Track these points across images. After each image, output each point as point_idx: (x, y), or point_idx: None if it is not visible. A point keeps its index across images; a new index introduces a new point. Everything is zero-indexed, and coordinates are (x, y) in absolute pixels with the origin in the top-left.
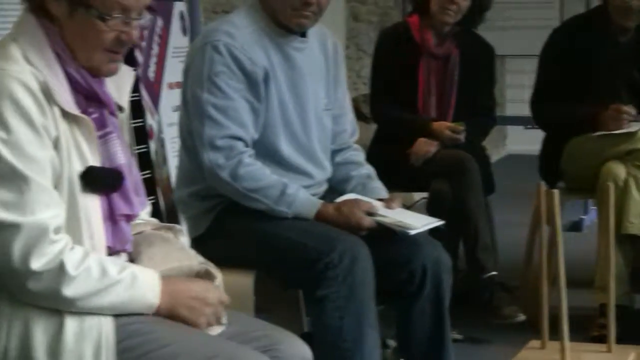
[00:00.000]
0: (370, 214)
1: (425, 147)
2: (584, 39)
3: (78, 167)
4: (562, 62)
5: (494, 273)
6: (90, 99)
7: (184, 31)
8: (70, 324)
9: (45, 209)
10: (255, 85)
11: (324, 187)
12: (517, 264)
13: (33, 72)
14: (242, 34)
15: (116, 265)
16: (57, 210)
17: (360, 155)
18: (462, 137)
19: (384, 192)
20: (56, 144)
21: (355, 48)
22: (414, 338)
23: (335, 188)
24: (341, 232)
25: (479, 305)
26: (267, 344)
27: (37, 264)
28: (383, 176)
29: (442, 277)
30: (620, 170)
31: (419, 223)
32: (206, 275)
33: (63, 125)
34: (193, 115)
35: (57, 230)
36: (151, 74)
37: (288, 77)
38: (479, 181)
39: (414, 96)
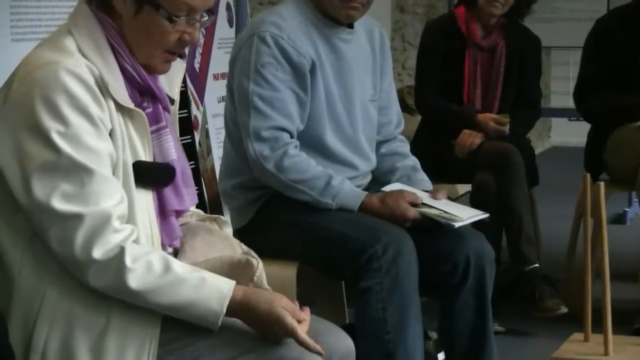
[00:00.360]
0: (415, 205)
1: (470, 139)
2: (627, 30)
3: (131, 161)
4: (605, 53)
5: (536, 265)
6: (144, 93)
7: (230, 22)
8: (116, 323)
9: (108, 198)
10: (302, 76)
11: (368, 179)
12: (560, 256)
13: (88, 65)
14: (289, 25)
15: (184, 266)
16: (119, 198)
17: (405, 147)
18: (506, 129)
19: (429, 184)
20: (111, 137)
21: (401, 39)
22: (457, 330)
23: (380, 179)
24: (385, 224)
25: (522, 298)
26: (311, 335)
27: (98, 252)
28: (427, 168)
29: (486, 269)
30: None
31: (464, 215)
32: (247, 265)
33: (118, 119)
34: (239, 106)
35: (121, 219)
36: (197, 64)
37: (335, 68)
38: (523, 173)
39: (459, 88)
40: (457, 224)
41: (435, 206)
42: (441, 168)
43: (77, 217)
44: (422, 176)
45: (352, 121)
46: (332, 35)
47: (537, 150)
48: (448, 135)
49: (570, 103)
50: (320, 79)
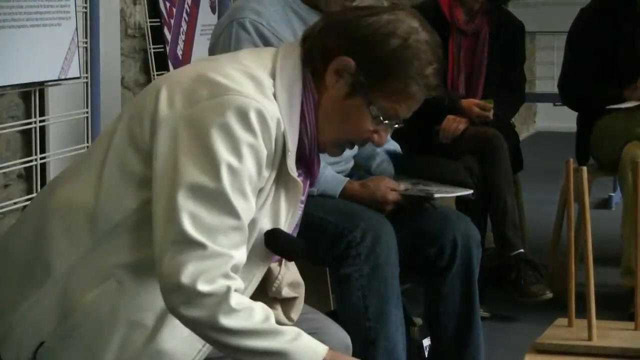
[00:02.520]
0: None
1: (454, 124)
2: (611, 19)
3: (267, 225)
4: (589, 42)
5: (521, 251)
6: (302, 164)
7: (213, 9)
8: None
9: (234, 248)
10: None
11: (350, 164)
12: (545, 241)
13: (278, 118)
14: (268, 11)
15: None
16: (242, 255)
17: None
18: (490, 114)
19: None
20: (258, 193)
21: None
22: (443, 314)
23: (361, 164)
24: (365, 210)
25: (506, 283)
26: (314, 327)
27: (204, 286)
28: (411, 154)
29: (472, 251)
30: (639, 151)
31: (447, 190)
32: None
33: (269, 181)
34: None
35: (234, 269)
36: (179, 51)
37: None
38: (508, 158)
39: (443, 73)
40: (437, 195)
41: (418, 187)
42: (425, 153)
43: (200, 247)
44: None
45: None
46: (311, 21)
47: (522, 136)
48: (432, 121)
49: (555, 88)
50: None
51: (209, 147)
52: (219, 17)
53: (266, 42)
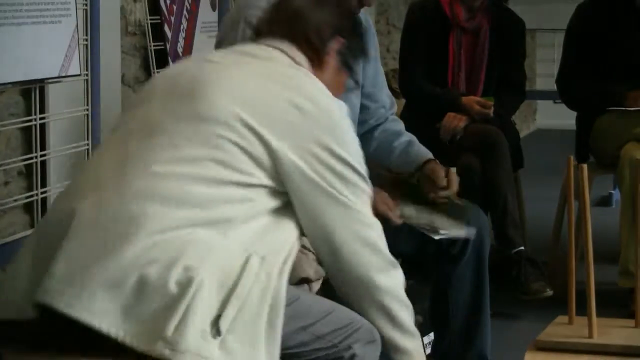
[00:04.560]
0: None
1: (455, 121)
2: (608, 15)
3: None
4: (586, 39)
5: (522, 248)
6: None
7: (213, 6)
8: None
9: None
10: None
11: None
12: (545, 239)
13: None
14: None
15: None
16: None
17: (398, 124)
18: (491, 111)
19: (429, 154)
20: None
21: (385, 22)
22: (452, 304)
23: (380, 161)
24: None
25: (507, 281)
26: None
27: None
28: None
29: (484, 239)
30: (637, 152)
31: (447, 228)
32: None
33: None
34: None
35: None
36: (180, 49)
37: None
38: (508, 156)
39: (443, 70)
40: (436, 237)
41: (418, 217)
42: None
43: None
44: (420, 147)
45: None
46: None
47: (523, 133)
48: (432, 118)
49: (555, 86)
50: None
51: (334, 148)
52: (219, 15)
53: None
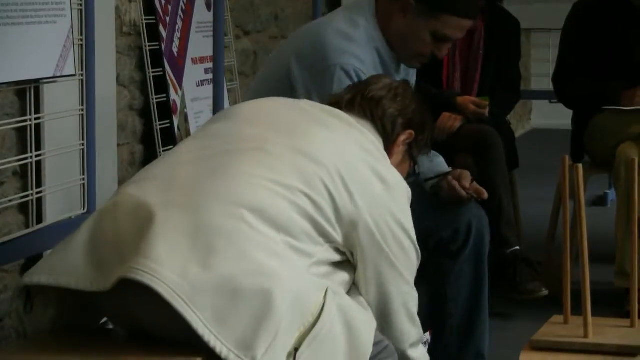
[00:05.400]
0: None
1: (450, 121)
2: (605, 14)
3: None
4: (583, 38)
5: (517, 248)
6: None
7: (208, 6)
8: None
9: None
10: None
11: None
12: (540, 238)
13: None
14: (365, 55)
15: None
16: None
17: None
18: (486, 111)
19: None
20: None
21: None
22: (452, 301)
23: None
24: None
25: (502, 281)
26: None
27: None
28: None
29: (484, 235)
30: (633, 152)
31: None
32: None
33: None
34: None
35: None
36: (175, 49)
37: None
38: (503, 156)
39: (438, 70)
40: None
41: None
42: None
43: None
44: (439, 160)
45: None
46: (391, 66)
47: (518, 133)
48: None
49: (551, 85)
50: None
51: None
52: (214, 15)
53: None
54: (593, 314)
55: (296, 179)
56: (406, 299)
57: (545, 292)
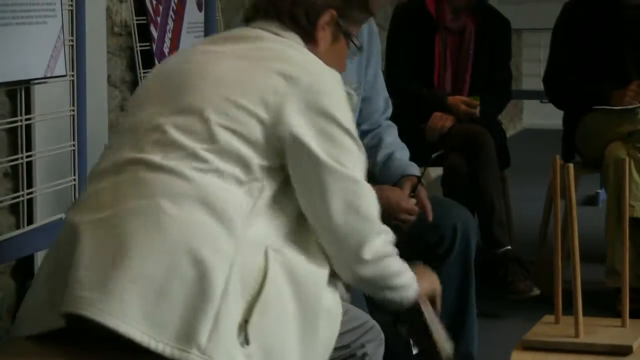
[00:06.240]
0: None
1: (441, 121)
2: (594, 14)
3: None
4: (573, 38)
5: (508, 248)
6: None
7: (200, 6)
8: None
9: None
10: None
11: None
12: (532, 238)
13: None
14: None
15: None
16: None
17: (389, 130)
18: (477, 111)
19: (410, 169)
20: None
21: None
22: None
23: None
24: None
25: (494, 280)
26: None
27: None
28: None
29: (470, 239)
30: (621, 151)
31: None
32: None
33: None
34: None
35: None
36: (166, 49)
37: None
38: (495, 156)
39: (429, 71)
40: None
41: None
42: (412, 152)
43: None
44: (397, 162)
45: None
46: None
47: (509, 133)
48: (418, 118)
49: (542, 85)
50: None
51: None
52: (205, 15)
53: None
54: (584, 314)
55: (191, 141)
56: (348, 197)
57: (536, 291)
